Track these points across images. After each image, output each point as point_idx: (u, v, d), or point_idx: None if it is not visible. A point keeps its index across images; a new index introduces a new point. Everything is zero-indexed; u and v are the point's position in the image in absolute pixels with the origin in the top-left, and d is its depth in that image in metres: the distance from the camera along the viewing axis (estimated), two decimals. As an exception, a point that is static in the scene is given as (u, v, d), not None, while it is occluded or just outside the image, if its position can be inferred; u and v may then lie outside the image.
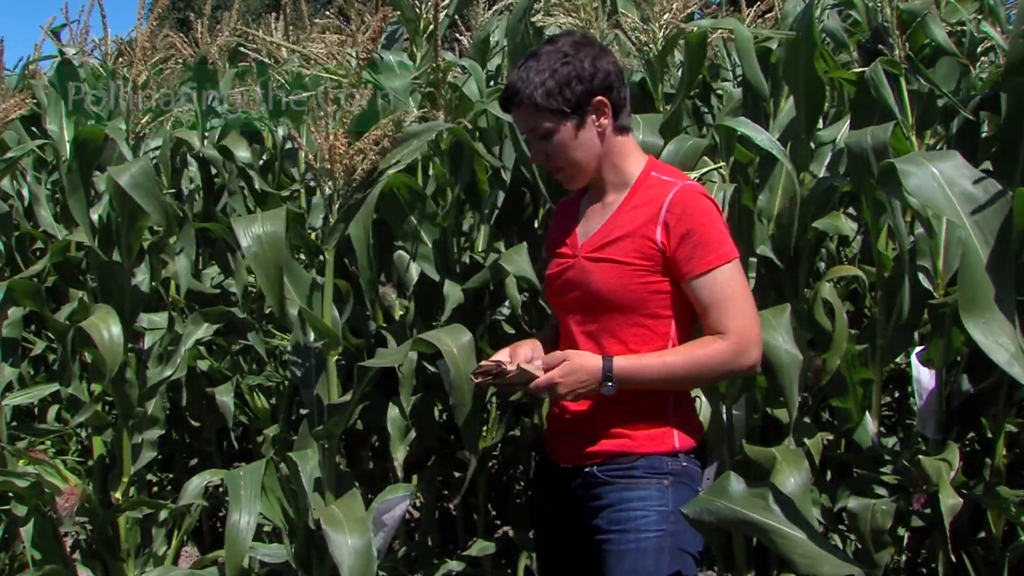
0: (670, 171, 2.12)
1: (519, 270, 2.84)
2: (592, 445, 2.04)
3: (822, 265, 3.18)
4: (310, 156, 2.36)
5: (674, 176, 2.07)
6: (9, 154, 3.19)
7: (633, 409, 2.02)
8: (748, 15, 3.30)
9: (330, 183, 2.33)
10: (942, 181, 1.84)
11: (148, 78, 2.75)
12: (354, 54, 2.74)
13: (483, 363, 2.03)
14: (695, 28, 2.62)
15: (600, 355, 1.96)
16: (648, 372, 1.96)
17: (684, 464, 2.04)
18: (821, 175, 2.87)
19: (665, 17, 2.77)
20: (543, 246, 2.46)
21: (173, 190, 3.61)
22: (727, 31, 3.26)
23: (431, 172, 3.24)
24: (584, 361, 1.95)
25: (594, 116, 2.01)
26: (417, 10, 2.99)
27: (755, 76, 2.62)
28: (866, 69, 2.50)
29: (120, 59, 3.46)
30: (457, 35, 3.57)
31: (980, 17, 2.57)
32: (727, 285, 1.94)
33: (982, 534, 2.73)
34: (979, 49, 2.57)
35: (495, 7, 3.35)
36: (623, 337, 2.01)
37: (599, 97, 2.01)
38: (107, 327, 2.67)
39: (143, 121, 2.80)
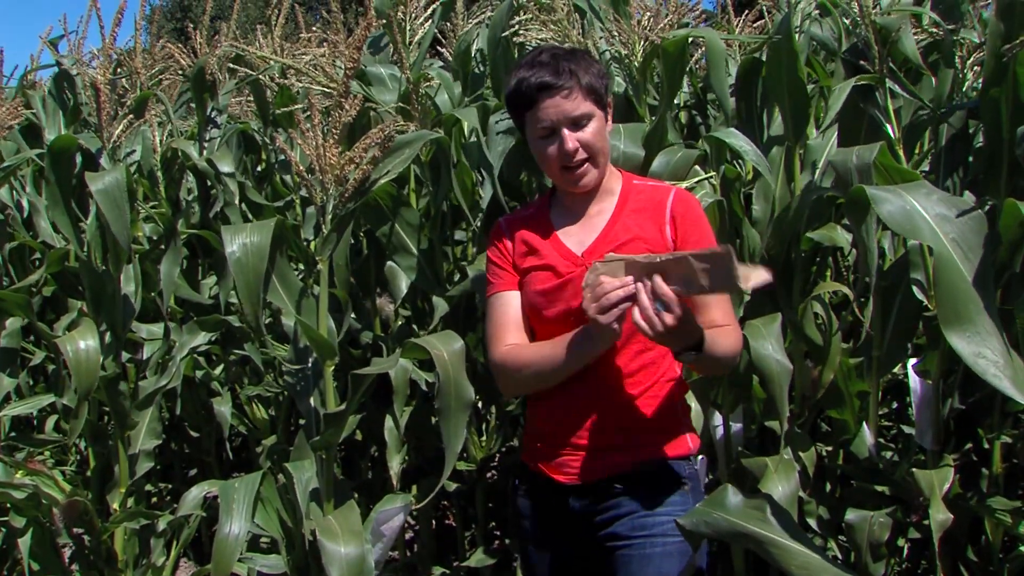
0: (652, 180, 2.21)
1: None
2: (609, 457, 2.02)
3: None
4: (300, 168, 2.36)
5: (659, 183, 2.17)
6: (6, 163, 3.18)
7: (652, 415, 2.03)
8: (737, 24, 3.29)
9: (321, 194, 2.34)
10: (916, 206, 1.85)
11: (115, 82, 2.71)
12: (341, 64, 2.74)
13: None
14: (672, 36, 2.62)
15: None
16: (716, 349, 1.90)
17: (696, 467, 2.09)
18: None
19: (645, 26, 2.76)
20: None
21: (168, 199, 3.61)
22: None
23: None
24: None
25: (606, 114, 2.06)
26: (401, 23, 2.97)
27: (720, 86, 2.62)
28: (837, 86, 2.51)
29: (119, 69, 3.46)
30: (439, 47, 3.55)
31: (956, 26, 2.55)
32: None
33: (981, 544, 2.72)
34: (971, 59, 2.54)
35: (475, 20, 3.33)
36: (640, 335, 1.96)
37: (610, 98, 2.08)
38: (84, 340, 2.66)
39: (118, 130, 2.78)
